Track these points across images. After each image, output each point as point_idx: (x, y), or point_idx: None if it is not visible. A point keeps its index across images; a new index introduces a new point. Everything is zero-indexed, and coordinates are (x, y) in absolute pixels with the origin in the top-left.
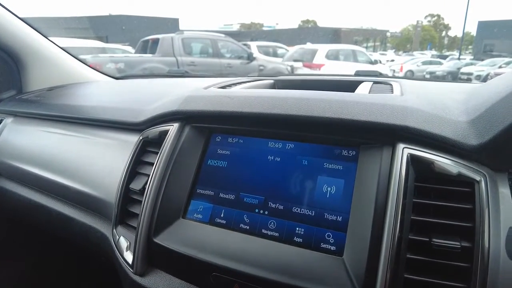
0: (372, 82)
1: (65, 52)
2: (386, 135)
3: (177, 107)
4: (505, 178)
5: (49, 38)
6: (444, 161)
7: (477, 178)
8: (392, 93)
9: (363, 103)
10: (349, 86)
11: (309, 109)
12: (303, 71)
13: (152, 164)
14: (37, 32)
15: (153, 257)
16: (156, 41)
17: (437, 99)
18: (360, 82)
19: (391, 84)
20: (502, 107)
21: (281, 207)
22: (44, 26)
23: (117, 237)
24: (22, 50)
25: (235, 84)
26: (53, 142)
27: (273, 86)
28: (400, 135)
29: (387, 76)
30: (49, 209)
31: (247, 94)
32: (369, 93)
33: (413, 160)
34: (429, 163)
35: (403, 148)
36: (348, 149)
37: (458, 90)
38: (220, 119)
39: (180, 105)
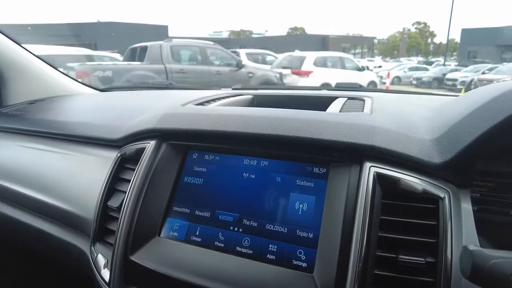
0: (346, 98)
1: (47, 64)
2: (354, 154)
3: (153, 125)
4: (468, 194)
5: (30, 50)
6: (409, 179)
7: (441, 195)
8: (363, 111)
9: (332, 122)
10: (324, 103)
11: (282, 129)
12: (291, 78)
13: (129, 181)
14: (16, 44)
15: (130, 275)
16: (144, 49)
17: (405, 116)
18: (335, 98)
19: (364, 100)
20: (464, 126)
21: (255, 224)
22: (31, 33)
23: (95, 254)
24: (2, 63)
25: (214, 100)
26: (32, 158)
27: (252, 101)
28: (367, 154)
29: (365, 90)
30: (28, 226)
31: (223, 113)
32: (340, 110)
33: (379, 178)
34: (395, 181)
35: (369, 167)
36: (319, 167)
37: (432, 105)
38: (196, 136)
39: (157, 123)
